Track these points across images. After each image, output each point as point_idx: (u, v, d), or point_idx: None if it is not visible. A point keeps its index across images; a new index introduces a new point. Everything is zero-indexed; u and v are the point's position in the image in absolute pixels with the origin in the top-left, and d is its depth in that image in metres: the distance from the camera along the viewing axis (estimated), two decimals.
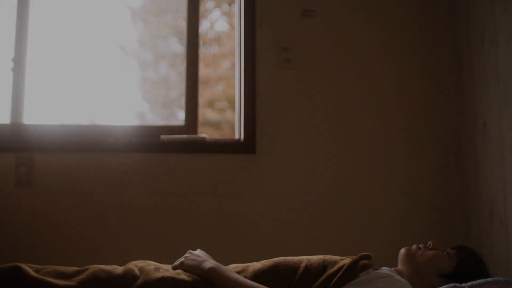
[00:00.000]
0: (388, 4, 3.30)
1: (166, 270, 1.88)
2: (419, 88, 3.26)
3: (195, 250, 2.03)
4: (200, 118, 3.26)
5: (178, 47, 3.43)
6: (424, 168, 3.21)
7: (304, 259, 1.96)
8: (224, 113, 3.45)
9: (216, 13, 3.56)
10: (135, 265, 1.90)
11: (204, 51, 3.41)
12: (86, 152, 2.81)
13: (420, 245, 2.07)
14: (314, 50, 3.22)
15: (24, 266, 1.79)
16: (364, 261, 1.93)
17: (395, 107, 3.24)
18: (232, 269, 1.92)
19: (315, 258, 1.97)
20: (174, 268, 1.91)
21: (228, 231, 3.06)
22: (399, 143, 3.21)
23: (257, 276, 1.88)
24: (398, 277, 1.92)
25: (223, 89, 3.49)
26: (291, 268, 1.91)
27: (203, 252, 2.00)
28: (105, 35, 3.30)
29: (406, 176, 3.20)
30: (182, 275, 1.84)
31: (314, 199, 3.13)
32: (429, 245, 2.07)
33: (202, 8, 3.34)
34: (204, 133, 3.20)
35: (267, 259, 1.99)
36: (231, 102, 3.36)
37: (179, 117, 3.26)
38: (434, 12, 3.30)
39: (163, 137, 3.05)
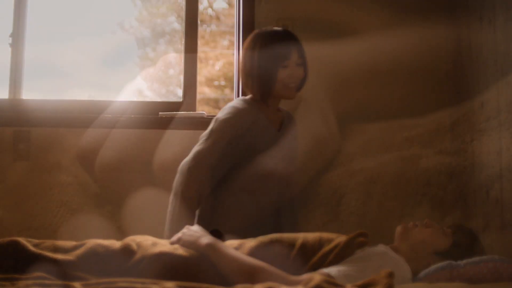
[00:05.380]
0: None
1: (163, 245, 1.88)
2: (417, 67, 3.24)
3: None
4: (199, 96, 3.26)
5: (177, 25, 3.42)
6: (421, 148, 3.21)
7: (301, 236, 1.97)
8: (223, 91, 3.45)
9: None
10: (133, 240, 1.90)
11: (202, 29, 3.41)
12: (84, 127, 2.81)
13: (416, 223, 2.09)
14: (314, 27, 3.20)
15: (22, 240, 1.80)
16: (361, 239, 1.94)
17: (393, 86, 3.23)
18: (228, 245, 1.93)
19: (311, 235, 1.98)
20: (172, 243, 1.92)
21: None
22: (396, 122, 3.21)
23: (253, 252, 1.89)
24: (394, 254, 1.94)
25: (221, 67, 3.49)
26: (288, 245, 1.92)
27: (200, 227, 2.00)
28: (104, 13, 3.29)
29: (403, 157, 3.20)
30: (179, 250, 1.85)
31: (313, 181, 3.14)
32: (425, 222, 2.08)
33: None
34: (202, 111, 3.20)
35: None
36: (229, 80, 3.35)
37: (178, 95, 3.26)
38: None
39: (161, 113, 3.05)
